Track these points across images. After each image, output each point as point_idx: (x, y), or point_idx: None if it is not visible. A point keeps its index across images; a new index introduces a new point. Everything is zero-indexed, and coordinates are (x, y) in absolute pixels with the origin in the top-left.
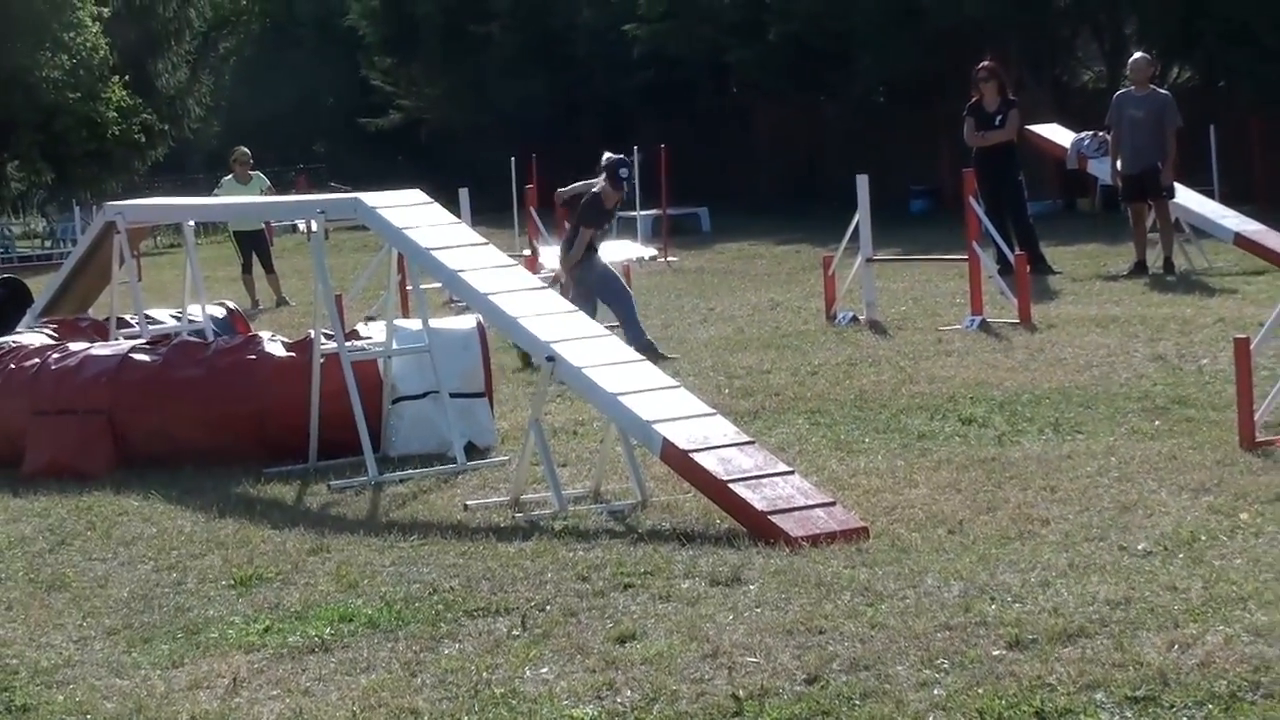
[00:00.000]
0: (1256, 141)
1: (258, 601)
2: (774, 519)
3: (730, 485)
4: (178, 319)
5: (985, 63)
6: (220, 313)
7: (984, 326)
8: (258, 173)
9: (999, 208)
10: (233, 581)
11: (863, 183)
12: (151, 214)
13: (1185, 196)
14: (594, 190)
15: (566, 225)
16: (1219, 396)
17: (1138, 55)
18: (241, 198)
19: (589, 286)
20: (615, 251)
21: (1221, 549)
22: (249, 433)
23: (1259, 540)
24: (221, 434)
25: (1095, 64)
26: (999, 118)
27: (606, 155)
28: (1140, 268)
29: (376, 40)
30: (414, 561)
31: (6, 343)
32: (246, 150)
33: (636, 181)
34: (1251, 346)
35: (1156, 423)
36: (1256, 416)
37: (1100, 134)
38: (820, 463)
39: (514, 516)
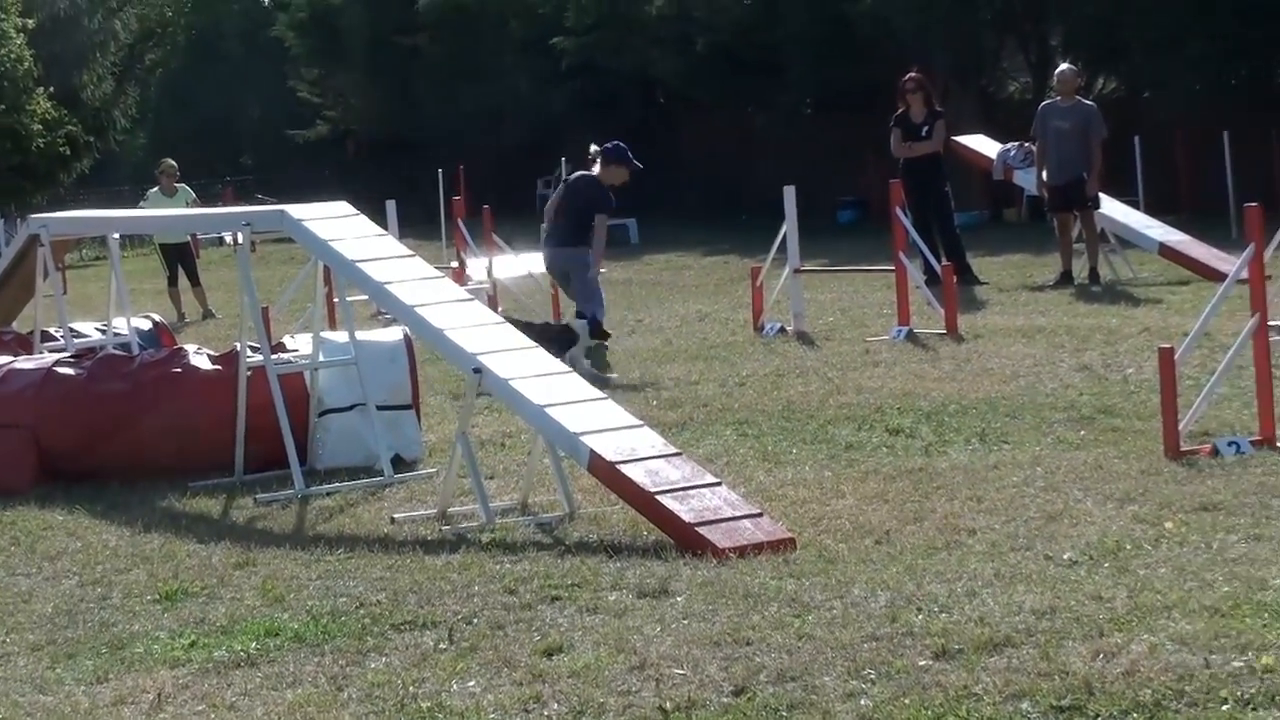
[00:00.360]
0: (1181, 152)
1: (183, 616)
2: (701, 530)
3: (657, 497)
4: (103, 332)
5: (912, 74)
6: (146, 326)
7: (911, 337)
8: (184, 185)
9: (926, 218)
10: (158, 596)
11: (790, 194)
12: (76, 226)
13: (1110, 207)
14: (592, 176)
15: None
16: (1144, 406)
17: (1064, 66)
18: (167, 210)
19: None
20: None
21: (1146, 558)
22: (174, 446)
23: (1183, 549)
24: (146, 448)
25: (1021, 75)
26: (926, 129)
27: (596, 147)
28: (1066, 278)
29: (303, 52)
30: (340, 575)
31: None
32: (173, 162)
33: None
34: (1176, 356)
35: (1082, 432)
36: (1181, 426)
37: (1026, 145)
38: (748, 474)
39: (441, 529)
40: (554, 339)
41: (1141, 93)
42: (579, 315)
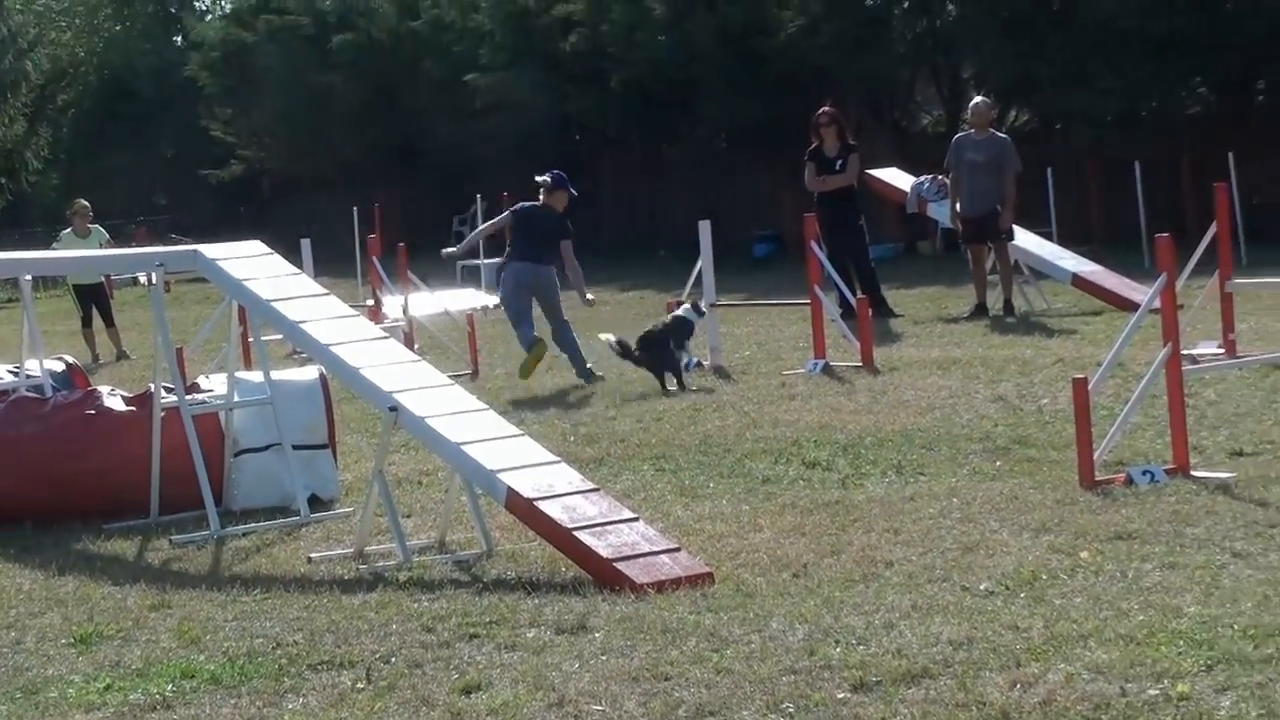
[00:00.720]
0: (1093, 183)
1: (98, 659)
2: (619, 566)
3: (575, 533)
4: (15, 374)
5: (825, 108)
6: (59, 368)
7: (827, 370)
8: (97, 225)
9: (841, 252)
10: (73, 640)
11: (705, 228)
12: None
13: (1024, 238)
14: (544, 205)
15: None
16: (1059, 436)
17: (977, 99)
18: (80, 251)
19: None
20: (459, 300)
21: (1062, 588)
22: (89, 489)
23: (1099, 578)
24: (61, 490)
25: (934, 108)
26: (839, 162)
27: (540, 177)
28: (980, 310)
29: (217, 91)
30: (257, 616)
31: None
32: (85, 203)
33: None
34: (1090, 386)
35: (998, 463)
36: (1095, 456)
37: (940, 178)
38: (665, 509)
39: (358, 568)
40: (673, 333)
41: (1053, 125)
42: (694, 307)
